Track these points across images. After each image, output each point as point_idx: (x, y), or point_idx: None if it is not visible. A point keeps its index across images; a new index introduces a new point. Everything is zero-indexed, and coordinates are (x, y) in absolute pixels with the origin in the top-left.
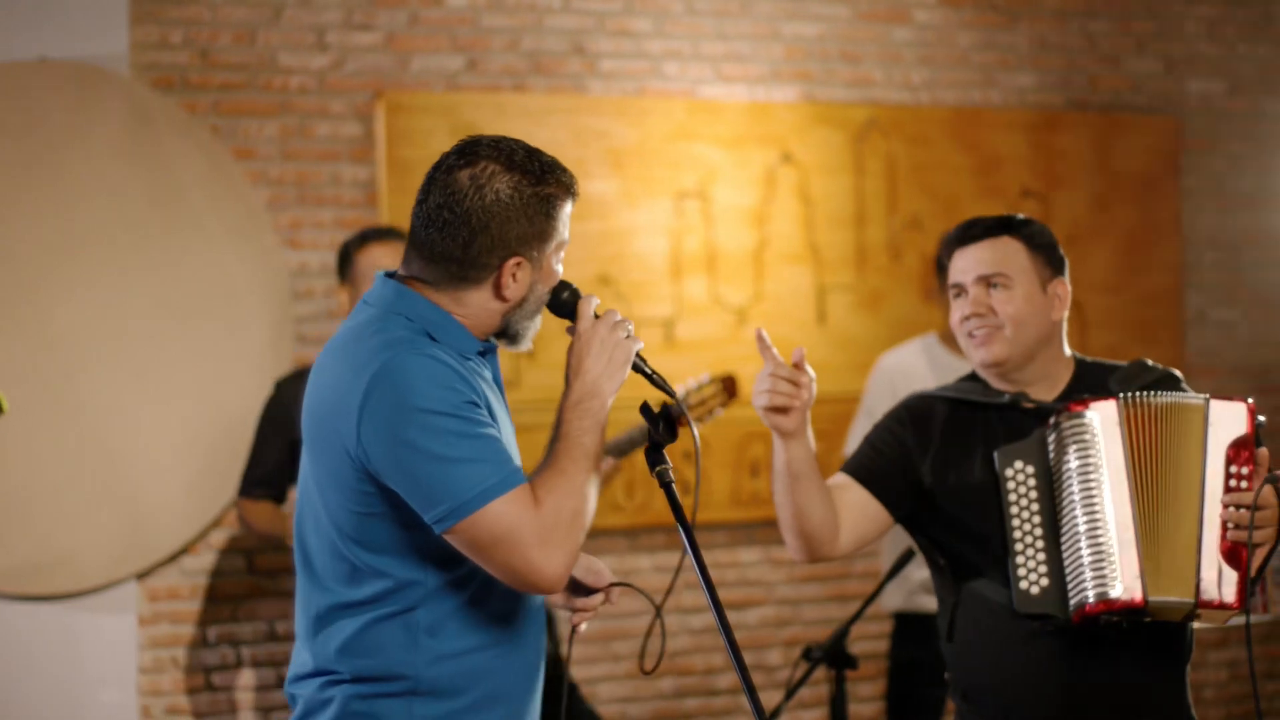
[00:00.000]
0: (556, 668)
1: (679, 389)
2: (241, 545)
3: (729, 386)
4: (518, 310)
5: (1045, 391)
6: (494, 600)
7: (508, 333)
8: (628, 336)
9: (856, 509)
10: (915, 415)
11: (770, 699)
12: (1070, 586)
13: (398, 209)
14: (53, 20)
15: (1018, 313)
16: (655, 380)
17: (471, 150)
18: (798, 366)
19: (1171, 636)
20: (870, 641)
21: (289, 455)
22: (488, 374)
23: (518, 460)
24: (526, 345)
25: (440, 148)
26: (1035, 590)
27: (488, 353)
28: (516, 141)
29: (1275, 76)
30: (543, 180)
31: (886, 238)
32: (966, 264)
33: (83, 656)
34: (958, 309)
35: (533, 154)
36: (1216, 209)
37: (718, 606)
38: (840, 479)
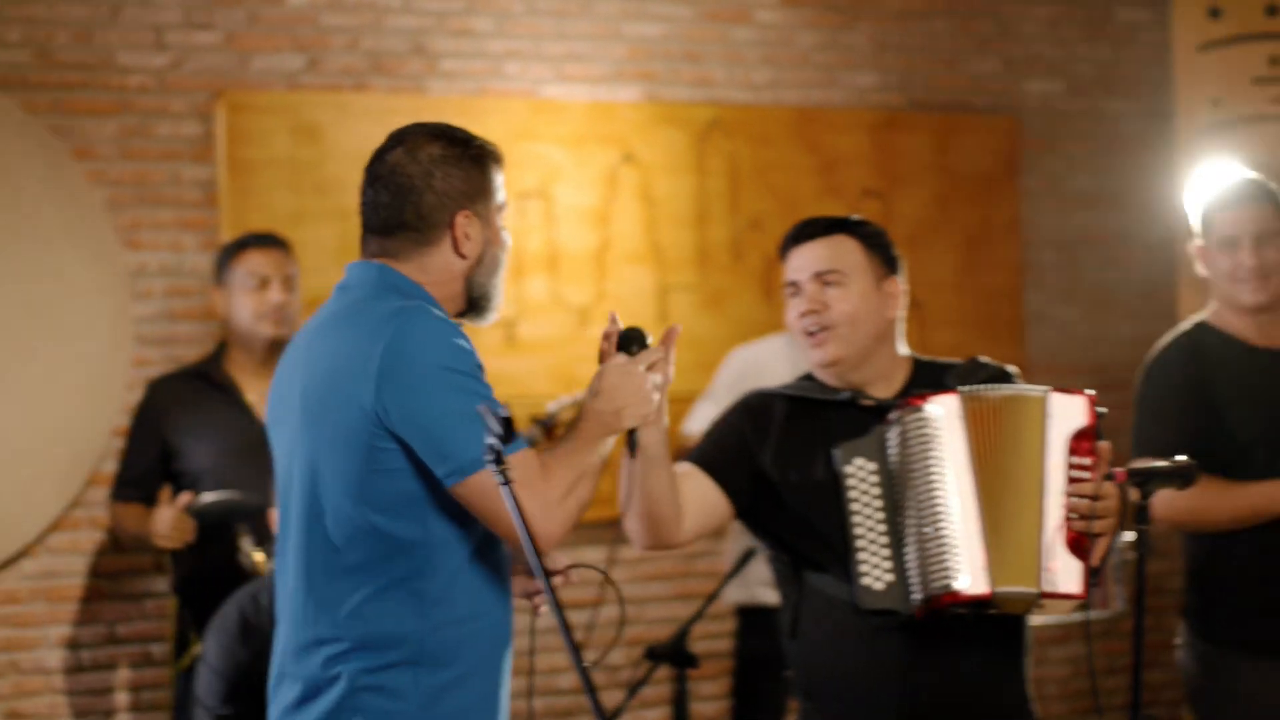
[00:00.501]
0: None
1: (551, 406)
2: (82, 548)
3: None
4: (478, 269)
5: (883, 390)
6: (487, 568)
7: (474, 298)
8: (647, 401)
9: (699, 497)
10: (753, 411)
11: (613, 699)
12: (913, 581)
13: (238, 209)
14: None
15: (853, 310)
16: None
17: (398, 134)
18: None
19: (1010, 631)
20: (712, 640)
21: (160, 458)
22: None
23: None
24: (494, 316)
25: (281, 147)
26: (878, 586)
27: None
28: (439, 124)
29: (1113, 77)
30: (468, 143)
31: (729, 237)
32: (802, 261)
33: None
34: (794, 307)
35: (456, 131)
36: (1055, 209)
37: (558, 606)
38: (684, 467)
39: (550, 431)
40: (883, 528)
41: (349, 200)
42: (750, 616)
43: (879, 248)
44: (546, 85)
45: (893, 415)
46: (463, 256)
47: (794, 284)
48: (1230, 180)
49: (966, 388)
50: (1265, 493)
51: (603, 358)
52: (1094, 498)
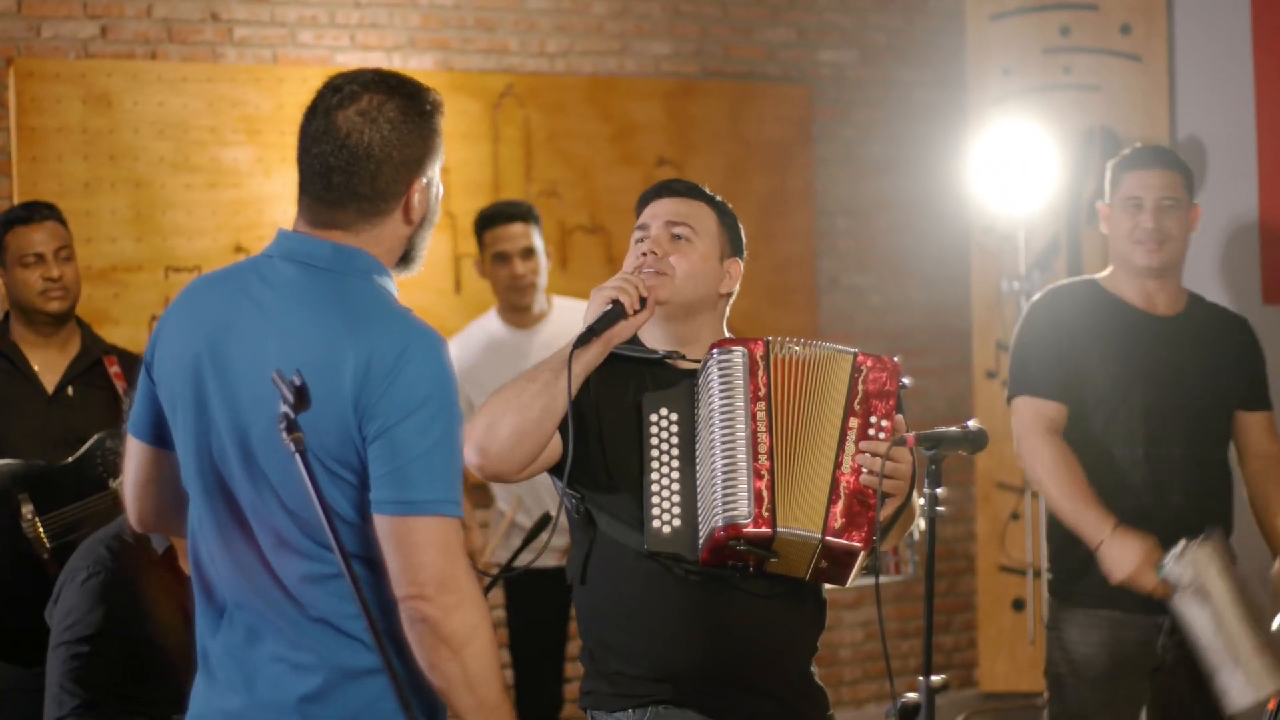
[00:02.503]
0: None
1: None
2: None
3: None
4: (420, 229)
5: (698, 356)
6: None
7: (409, 255)
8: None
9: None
10: None
11: None
12: (701, 524)
13: (29, 176)
14: None
15: (691, 267)
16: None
17: (346, 88)
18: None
19: (804, 600)
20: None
21: None
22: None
23: None
24: (419, 267)
25: (73, 115)
26: (666, 530)
27: None
28: (378, 70)
29: (904, 45)
30: (422, 98)
31: None
32: (660, 210)
33: None
34: (635, 251)
35: (401, 78)
36: (848, 177)
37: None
38: None
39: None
40: (677, 474)
41: (142, 168)
42: (516, 583)
43: (731, 227)
44: (341, 53)
45: (704, 359)
46: (410, 223)
47: (644, 227)
48: (1143, 146)
49: (777, 338)
50: (1091, 524)
51: None
52: (884, 456)
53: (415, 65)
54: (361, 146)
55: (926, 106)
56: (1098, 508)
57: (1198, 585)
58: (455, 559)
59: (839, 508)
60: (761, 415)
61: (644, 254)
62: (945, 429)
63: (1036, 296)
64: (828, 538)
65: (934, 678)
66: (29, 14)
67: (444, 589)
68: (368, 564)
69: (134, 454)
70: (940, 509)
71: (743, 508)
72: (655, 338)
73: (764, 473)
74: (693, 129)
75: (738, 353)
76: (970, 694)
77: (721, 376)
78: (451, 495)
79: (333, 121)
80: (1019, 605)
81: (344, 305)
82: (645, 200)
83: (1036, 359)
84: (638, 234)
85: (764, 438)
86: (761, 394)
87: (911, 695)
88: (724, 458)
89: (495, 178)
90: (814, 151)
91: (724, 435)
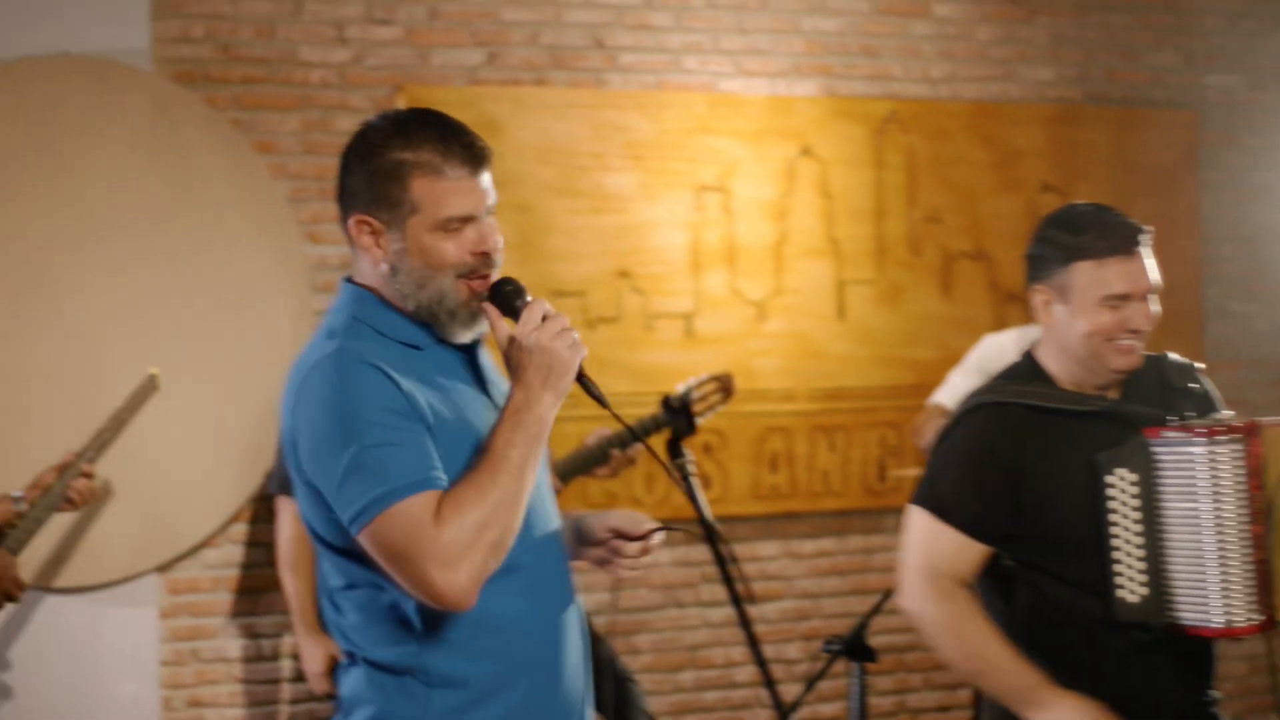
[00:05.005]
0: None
1: (680, 387)
2: (263, 538)
3: (726, 384)
4: (395, 278)
5: (1112, 390)
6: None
7: (418, 308)
8: (571, 346)
9: (970, 562)
10: (1004, 458)
11: (790, 692)
12: (1173, 600)
13: None
14: (74, 14)
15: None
16: (595, 394)
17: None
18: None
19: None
20: (890, 635)
21: None
22: (445, 366)
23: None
24: (453, 333)
25: None
26: (1132, 599)
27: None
28: (421, 111)
29: None
30: (389, 146)
31: (906, 231)
32: (1139, 272)
33: (104, 649)
34: (1117, 316)
35: (417, 122)
36: (1234, 202)
37: (737, 600)
38: (953, 537)
39: (687, 410)
40: (1139, 540)
41: (527, 194)
42: None
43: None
44: (725, 79)
45: (1161, 439)
46: (375, 264)
47: (1126, 296)
48: None
49: (1263, 420)
50: None
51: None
52: None
53: (799, 91)
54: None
55: None
56: None
57: None
58: (406, 543)
59: None
60: (1230, 499)
61: (1131, 330)
62: None
63: None
64: None
65: None
66: (417, 42)
67: (418, 591)
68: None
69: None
70: None
71: (1241, 608)
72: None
73: (1254, 563)
74: (1076, 154)
75: (1196, 447)
76: None
77: (1181, 462)
78: (362, 501)
79: None
80: None
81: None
82: (1111, 252)
83: None
84: (1115, 300)
85: (1232, 525)
86: (1228, 478)
87: None
88: (1212, 542)
89: (879, 204)
90: (1200, 177)
91: (1193, 519)
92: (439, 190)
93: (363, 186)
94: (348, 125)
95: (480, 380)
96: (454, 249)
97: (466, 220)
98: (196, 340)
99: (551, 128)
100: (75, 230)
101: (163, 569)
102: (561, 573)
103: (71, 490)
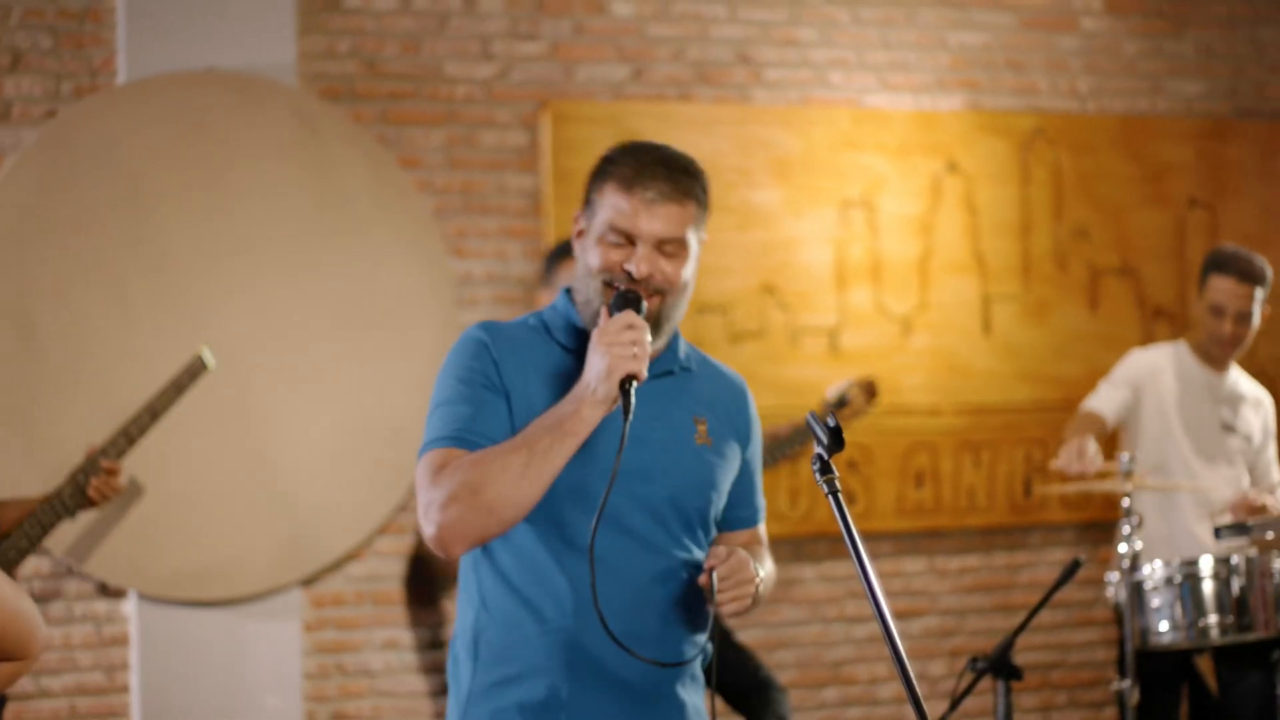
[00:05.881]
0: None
1: (831, 391)
2: (406, 551)
3: (869, 389)
4: (579, 277)
5: None
6: (518, 572)
7: (580, 308)
8: (624, 356)
9: None
10: None
11: (934, 710)
12: None
13: (563, 218)
14: (221, 31)
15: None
16: (625, 408)
17: None
18: None
19: None
20: (1036, 653)
21: None
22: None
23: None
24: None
25: None
26: None
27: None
28: (653, 143)
29: None
30: (609, 153)
31: (1052, 247)
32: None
33: (248, 662)
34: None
35: (641, 144)
36: None
37: (883, 617)
38: None
39: (840, 408)
40: None
41: None
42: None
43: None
44: (869, 94)
45: None
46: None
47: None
48: None
49: None
50: None
51: None
52: None
53: (944, 106)
54: None
55: None
56: None
57: None
58: (417, 488)
59: None
60: None
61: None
62: None
63: None
64: None
65: None
66: (562, 58)
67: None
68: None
69: None
70: None
71: None
72: None
73: None
74: (1224, 170)
75: None
76: None
77: None
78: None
79: None
80: None
81: None
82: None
83: None
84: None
85: None
86: None
87: None
88: None
89: (1025, 218)
90: None
91: None
92: (619, 201)
93: (588, 185)
94: (492, 141)
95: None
96: (607, 257)
97: (630, 238)
98: (341, 354)
99: (697, 143)
100: (221, 244)
101: (306, 582)
102: (636, 592)
103: (91, 487)
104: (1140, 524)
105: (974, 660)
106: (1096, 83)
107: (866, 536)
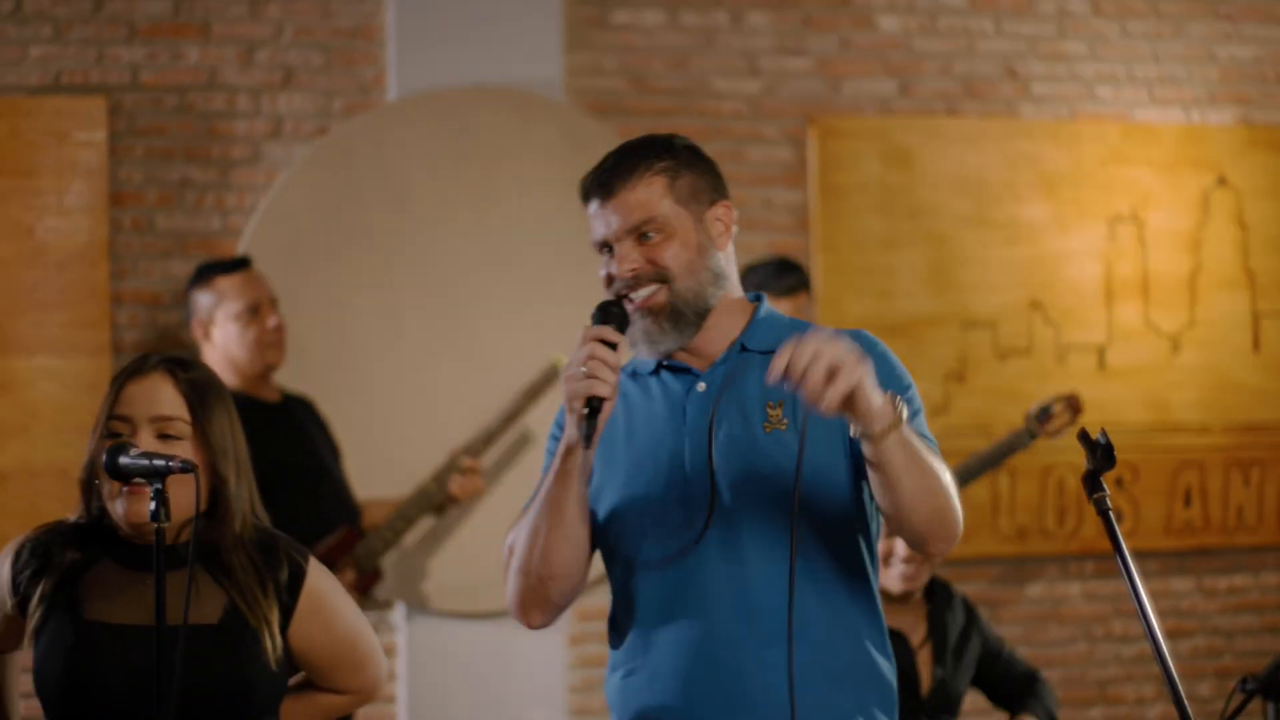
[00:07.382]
0: None
1: (1033, 407)
2: None
3: (1074, 404)
4: None
5: None
6: (632, 613)
7: None
8: (572, 378)
9: None
10: None
11: None
12: None
13: (829, 234)
14: (489, 48)
15: None
16: (587, 433)
17: None
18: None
19: None
20: None
21: None
22: (657, 389)
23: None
24: (638, 352)
25: (872, 172)
26: None
27: (673, 369)
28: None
29: None
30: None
31: None
32: None
33: (513, 675)
34: None
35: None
36: None
37: (1155, 637)
38: None
39: (1045, 423)
40: None
41: (940, 225)
42: None
43: None
44: (1139, 109)
45: None
46: None
47: None
48: None
49: None
50: None
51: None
52: None
53: (1214, 120)
54: None
55: None
56: None
57: None
58: None
59: None
60: None
61: None
62: None
63: None
64: None
65: None
66: (829, 74)
67: None
68: None
69: None
70: None
71: None
72: None
73: None
74: None
75: None
76: None
77: None
78: None
79: None
80: None
81: None
82: None
83: None
84: None
85: None
86: None
87: None
88: None
89: None
90: None
91: None
92: (588, 216)
93: None
94: (760, 156)
95: (682, 403)
96: (604, 274)
97: (609, 247)
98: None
99: (964, 158)
100: (488, 257)
101: None
102: (729, 606)
103: (453, 484)
104: None
105: (1244, 680)
106: None
107: (1134, 555)
